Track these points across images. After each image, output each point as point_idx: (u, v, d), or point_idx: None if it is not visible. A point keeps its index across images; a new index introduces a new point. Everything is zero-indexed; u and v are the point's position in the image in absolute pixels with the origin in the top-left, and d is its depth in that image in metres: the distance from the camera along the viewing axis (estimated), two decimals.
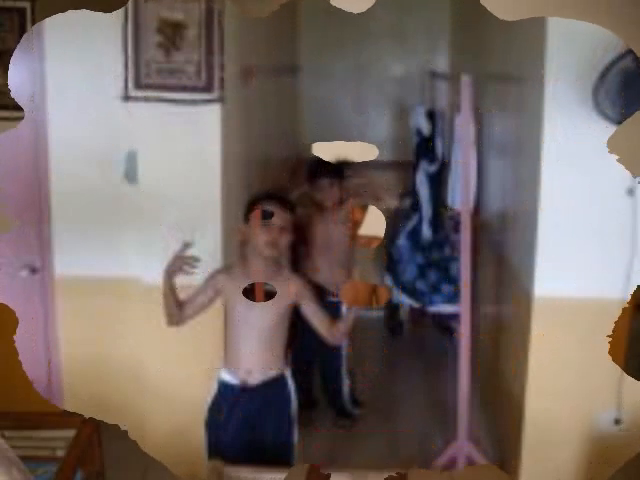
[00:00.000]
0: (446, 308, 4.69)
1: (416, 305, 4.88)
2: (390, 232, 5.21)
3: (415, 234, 4.87)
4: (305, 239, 3.87)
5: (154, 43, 2.79)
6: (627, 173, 2.80)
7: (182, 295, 2.68)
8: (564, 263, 2.90)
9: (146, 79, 2.82)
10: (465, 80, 3.17)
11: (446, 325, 4.92)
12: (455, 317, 4.16)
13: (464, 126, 3.33)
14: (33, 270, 3.02)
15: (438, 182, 4.80)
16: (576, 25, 2.74)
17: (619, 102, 2.58)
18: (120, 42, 2.80)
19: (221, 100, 2.84)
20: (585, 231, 2.88)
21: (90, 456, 2.74)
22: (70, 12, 2.84)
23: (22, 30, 2.90)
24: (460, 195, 3.50)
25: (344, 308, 3.03)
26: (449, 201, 4.21)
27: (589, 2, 2.54)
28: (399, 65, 5.62)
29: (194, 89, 2.82)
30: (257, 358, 2.64)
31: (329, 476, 2.36)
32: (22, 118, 2.81)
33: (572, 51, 2.74)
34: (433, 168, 4.78)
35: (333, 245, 3.88)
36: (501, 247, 3.66)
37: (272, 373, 2.67)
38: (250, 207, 2.68)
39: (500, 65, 3.85)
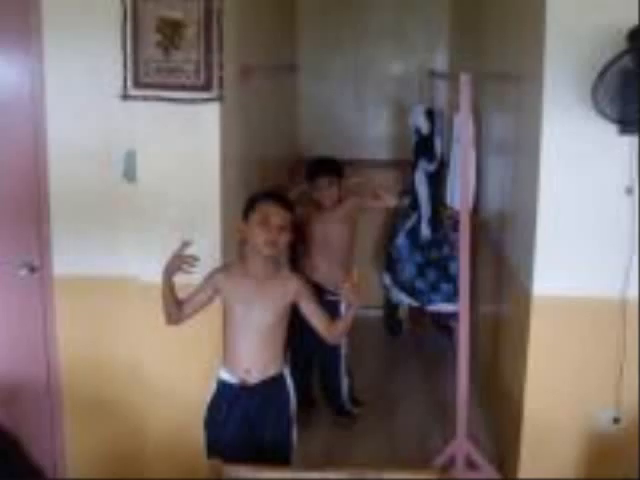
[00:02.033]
0: (445, 307, 4.70)
1: (415, 304, 4.89)
2: (389, 231, 5.22)
3: (414, 233, 4.88)
4: (304, 238, 3.87)
5: (153, 42, 2.79)
6: (626, 172, 2.80)
7: (181, 294, 2.68)
8: (563, 262, 2.90)
9: (145, 78, 2.82)
10: (464, 79, 3.17)
11: (445, 324, 4.93)
12: (454, 316, 4.17)
13: (463, 125, 3.34)
14: (32, 269, 3.02)
15: (437, 181, 4.80)
16: (575, 24, 2.75)
17: (618, 101, 2.58)
18: (119, 41, 2.80)
19: (220, 99, 2.84)
20: (584, 230, 2.88)
21: None
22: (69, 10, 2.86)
23: None
24: (459, 194, 3.50)
25: (343, 307, 3.03)
26: (448, 200, 4.21)
27: None
28: (398, 64, 5.62)
29: (193, 88, 2.82)
30: (256, 357, 2.64)
31: None
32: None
33: (571, 50, 2.75)
34: (432, 167, 4.79)
35: (332, 244, 3.88)
36: (500, 246, 3.66)
37: (271, 372, 2.66)
38: (249, 206, 2.68)
39: (499, 64, 3.85)
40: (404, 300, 4.93)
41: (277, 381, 2.68)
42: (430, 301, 4.76)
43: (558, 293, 2.91)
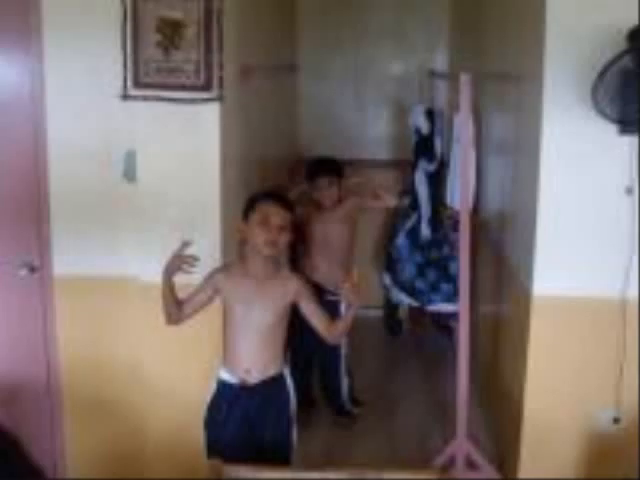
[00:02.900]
0: (445, 307, 4.70)
1: (415, 304, 4.89)
2: (389, 231, 5.22)
3: (414, 233, 4.87)
4: (304, 238, 3.87)
5: (153, 42, 2.79)
6: (626, 172, 2.80)
7: (181, 294, 2.68)
8: (563, 262, 2.90)
9: (145, 78, 2.82)
10: (464, 79, 3.17)
11: (445, 324, 4.93)
12: (454, 316, 4.17)
13: (463, 125, 3.34)
14: (32, 269, 3.02)
15: (437, 181, 4.80)
16: (575, 24, 2.75)
17: (618, 101, 2.58)
18: (119, 41, 2.80)
19: (220, 99, 2.84)
20: (584, 230, 2.88)
21: None
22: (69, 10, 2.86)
23: None
24: (459, 194, 3.50)
25: (343, 307, 3.03)
26: (448, 200, 4.21)
27: None
28: (398, 64, 5.62)
29: (193, 88, 2.82)
30: (256, 357, 2.64)
31: None
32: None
33: (571, 50, 2.75)
34: (432, 167, 4.79)
35: (332, 244, 3.88)
36: (500, 246, 3.66)
37: (271, 372, 2.66)
38: (249, 206, 2.68)
39: (499, 64, 3.85)
40: (404, 300, 4.93)
41: (277, 381, 2.68)
42: (430, 301, 4.76)
43: (558, 293, 2.91)
